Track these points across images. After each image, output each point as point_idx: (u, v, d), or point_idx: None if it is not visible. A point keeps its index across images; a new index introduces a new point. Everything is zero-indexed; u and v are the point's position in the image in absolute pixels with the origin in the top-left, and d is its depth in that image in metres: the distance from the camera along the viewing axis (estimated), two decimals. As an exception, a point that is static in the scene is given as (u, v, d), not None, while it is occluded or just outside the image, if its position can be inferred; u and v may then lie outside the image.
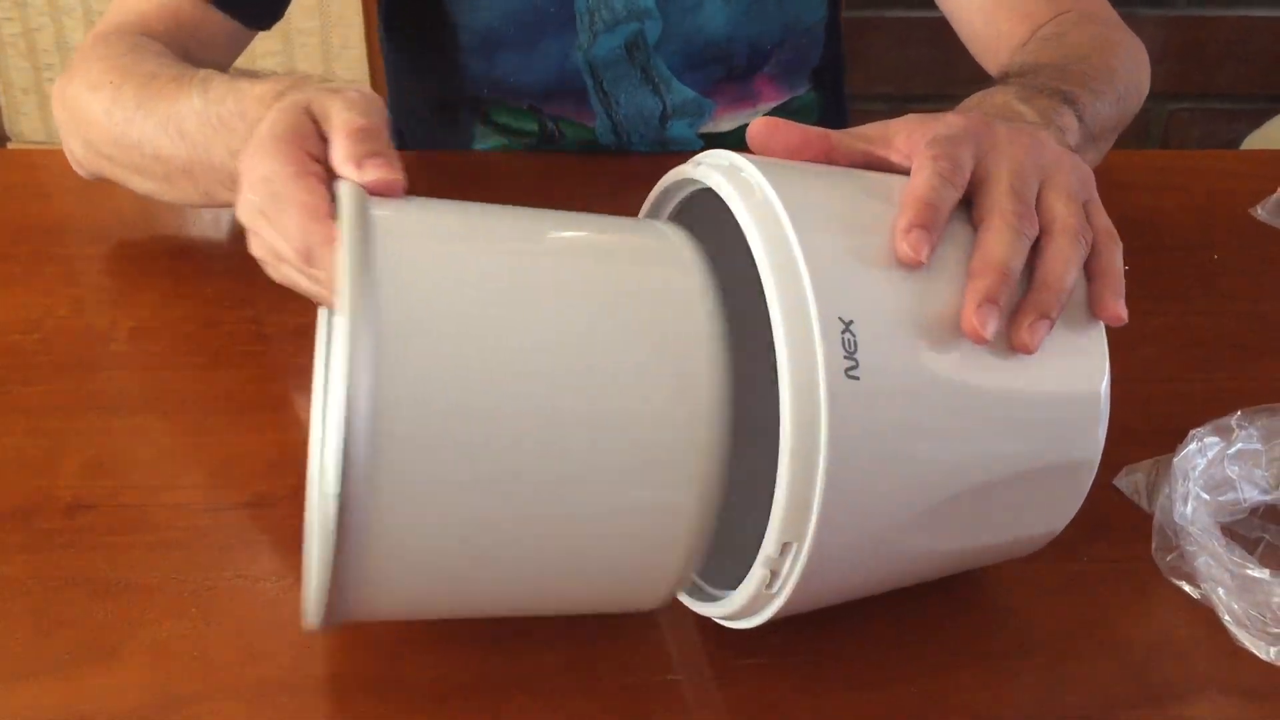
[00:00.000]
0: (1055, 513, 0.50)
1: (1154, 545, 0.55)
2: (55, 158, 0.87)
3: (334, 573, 0.41)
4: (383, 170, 0.48)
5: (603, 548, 0.45)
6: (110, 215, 0.79)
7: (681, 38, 0.88)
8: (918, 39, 1.67)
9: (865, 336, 0.42)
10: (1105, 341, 0.48)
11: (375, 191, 0.47)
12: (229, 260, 0.77)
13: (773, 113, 0.93)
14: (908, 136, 0.49)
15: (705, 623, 0.54)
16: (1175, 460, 0.57)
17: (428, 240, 0.45)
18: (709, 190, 0.48)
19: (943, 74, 1.72)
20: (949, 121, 0.49)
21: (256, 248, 0.53)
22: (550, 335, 0.43)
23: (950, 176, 0.46)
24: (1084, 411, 0.48)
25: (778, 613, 0.47)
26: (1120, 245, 0.49)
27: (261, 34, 0.83)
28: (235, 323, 0.70)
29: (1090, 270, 0.48)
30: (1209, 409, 0.60)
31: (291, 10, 0.85)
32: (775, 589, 0.46)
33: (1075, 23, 0.76)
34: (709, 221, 0.49)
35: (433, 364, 0.41)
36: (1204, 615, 0.54)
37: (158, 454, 0.62)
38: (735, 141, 0.93)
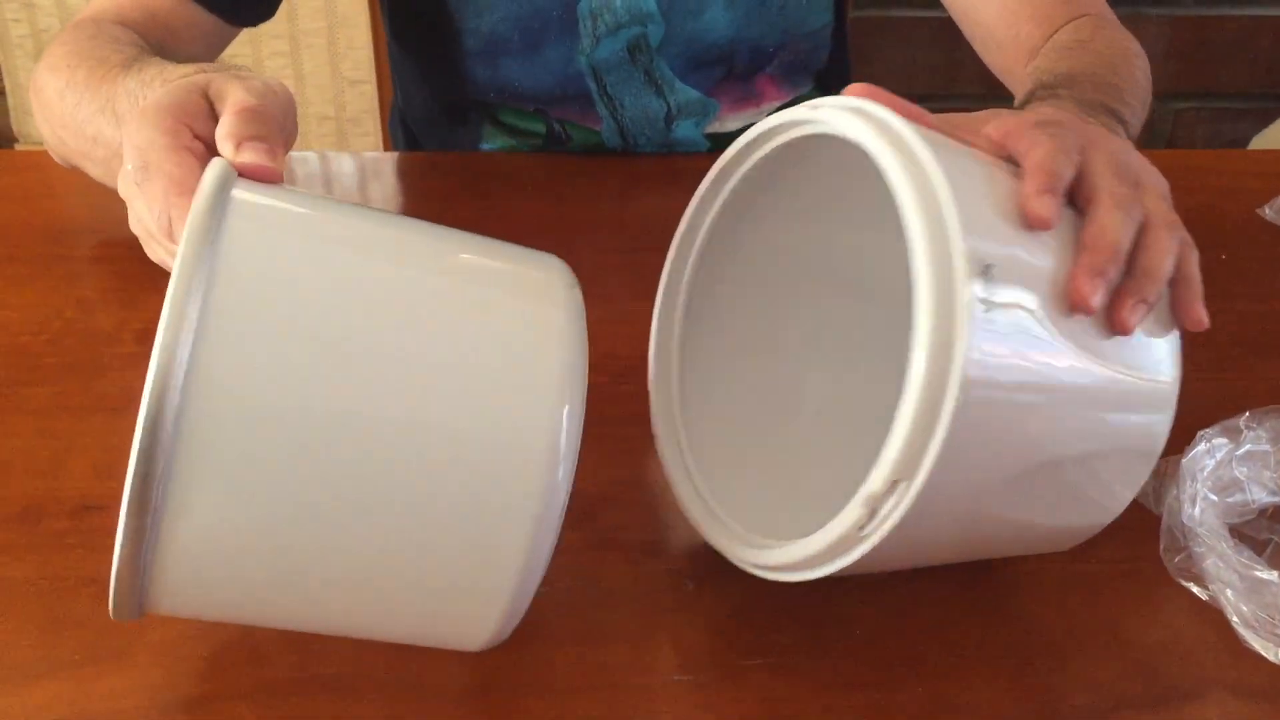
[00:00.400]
0: (1113, 500, 0.51)
1: (1162, 546, 0.55)
2: (63, 159, 0.88)
3: (131, 551, 0.40)
4: (260, 155, 0.47)
5: (416, 574, 0.43)
6: (118, 216, 0.79)
7: (683, 41, 0.88)
8: (923, 39, 1.66)
9: (1001, 281, 0.42)
10: (1180, 343, 0.49)
11: (248, 175, 0.45)
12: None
13: (776, 111, 0.94)
14: (999, 124, 0.50)
15: (713, 623, 0.54)
16: (1183, 461, 0.56)
17: (281, 230, 0.43)
18: (806, 140, 0.50)
19: (948, 74, 1.72)
20: (1044, 112, 0.50)
21: (132, 222, 0.53)
22: (385, 345, 0.42)
23: (1069, 153, 0.47)
24: (1158, 404, 0.49)
25: (852, 566, 0.46)
26: (1197, 253, 0.50)
27: (268, 35, 0.83)
28: (242, 324, 0.70)
29: (1173, 274, 0.49)
30: (1217, 410, 0.59)
31: (298, 11, 0.85)
32: (868, 530, 0.45)
33: (1093, 29, 0.77)
34: (803, 167, 0.51)
35: (254, 351, 0.40)
36: (1212, 616, 0.54)
37: (165, 455, 0.62)
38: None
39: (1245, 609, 0.52)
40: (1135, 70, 0.73)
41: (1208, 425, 0.58)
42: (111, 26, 0.75)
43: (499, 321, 0.44)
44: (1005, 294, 0.42)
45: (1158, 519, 0.57)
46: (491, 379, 0.42)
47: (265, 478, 0.41)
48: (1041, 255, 0.45)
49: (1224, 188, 0.87)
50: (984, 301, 0.41)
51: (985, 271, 0.42)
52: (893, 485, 0.43)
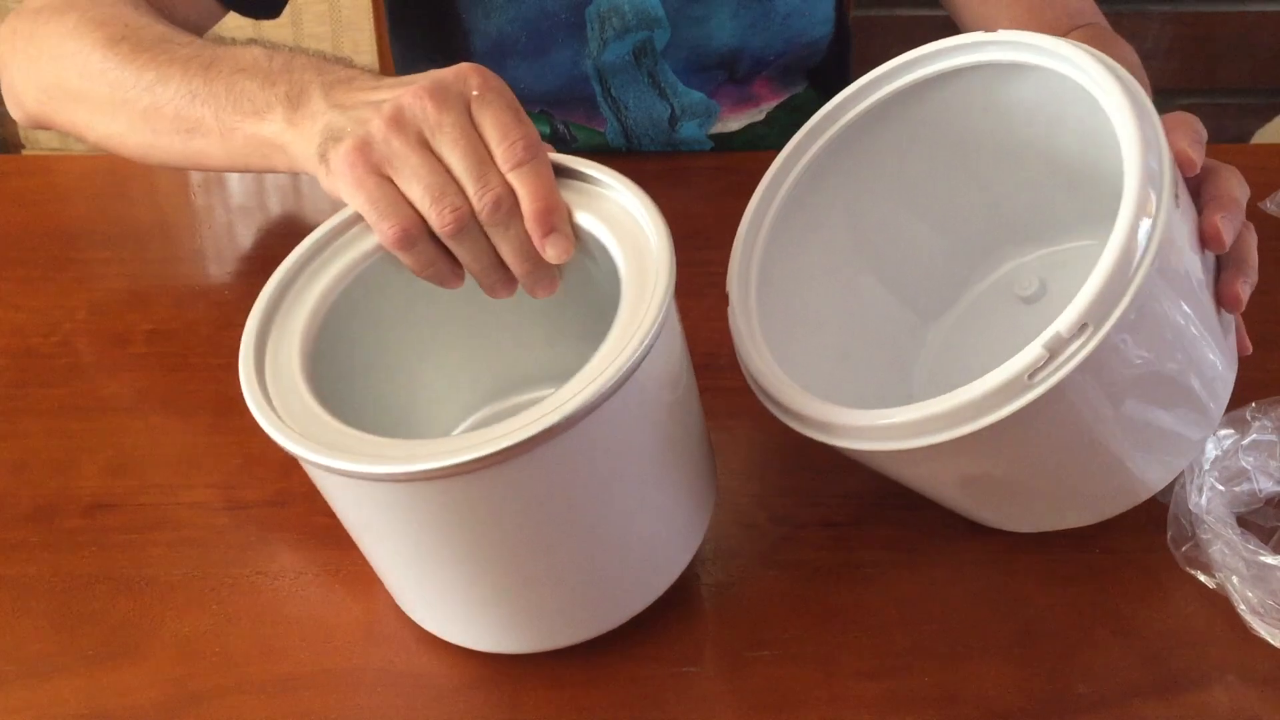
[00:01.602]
0: (1171, 462, 0.54)
1: (1170, 535, 0.56)
2: (71, 164, 0.88)
3: None
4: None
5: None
6: (126, 220, 0.80)
7: (688, 46, 0.89)
8: (924, 38, 1.67)
9: (1180, 191, 0.49)
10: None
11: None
12: (244, 263, 0.77)
13: (774, 110, 0.94)
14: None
15: (719, 614, 0.54)
16: None
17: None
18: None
19: (951, 72, 1.71)
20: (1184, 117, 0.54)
21: (365, 197, 0.51)
22: None
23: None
24: (1222, 389, 0.53)
25: (1006, 418, 0.46)
26: (1256, 238, 0.55)
27: (272, 39, 0.84)
28: (251, 324, 0.71)
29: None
30: (1221, 400, 0.60)
31: (302, 15, 0.86)
32: (1040, 378, 0.46)
33: (1107, 45, 0.79)
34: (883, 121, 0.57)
35: None
36: (1218, 604, 0.54)
37: (176, 454, 0.62)
38: (743, 142, 0.93)
39: (1251, 596, 0.52)
40: (1146, 84, 0.75)
41: (1212, 415, 0.58)
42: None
43: None
44: (1184, 203, 0.49)
45: (1163, 508, 0.57)
46: None
47: None
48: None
49: (1226, 182, 0.87)
50: (1175, 196, 0.48)
51: (1174, 182, 0.48)
52: (1080, 328, 0.45)
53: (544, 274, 0.51)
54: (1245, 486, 0.57)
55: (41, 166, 0.95)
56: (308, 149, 0.56)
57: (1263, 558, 0.52)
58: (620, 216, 0.51)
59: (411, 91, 0.51)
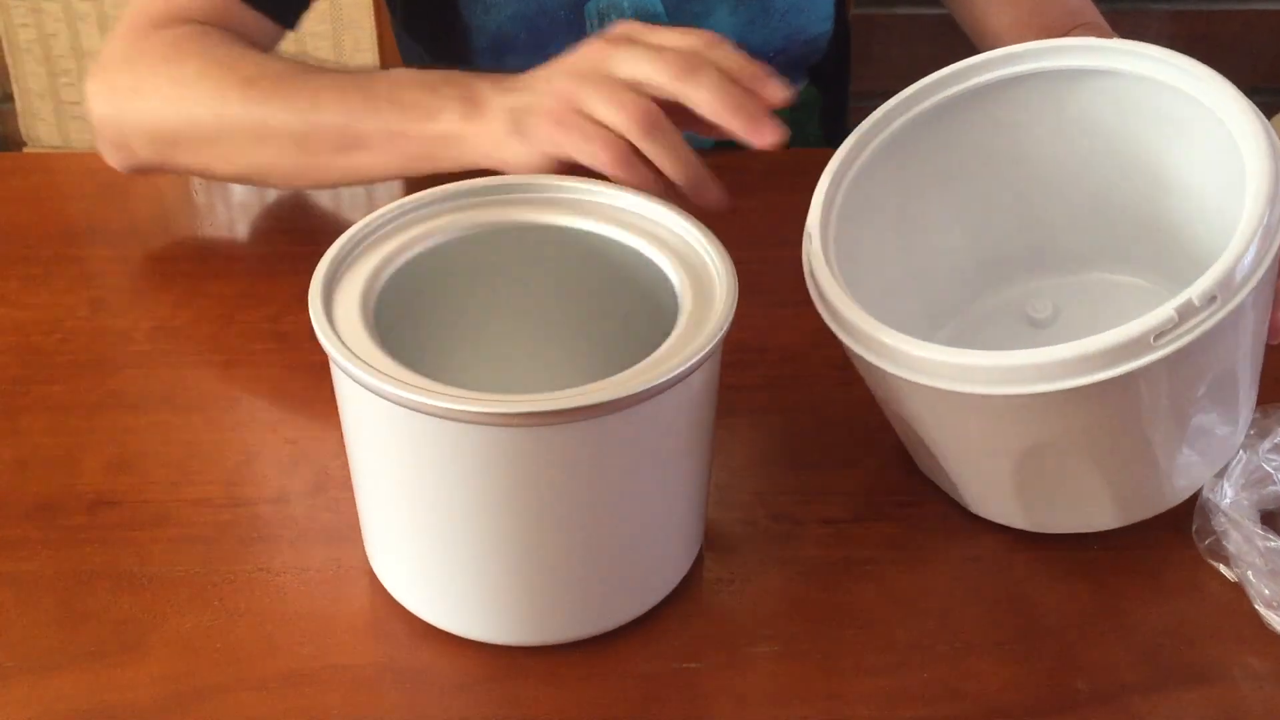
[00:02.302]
0: (1200, 469, 0.56)
1: (1195, 527, 0.56)
2: (72, 161, 0.88)
3: None
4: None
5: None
6: (127, 217, 0.80)
7: None
8: (924, 36, 1.67)
9: None
10: None
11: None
12: (247, 260, 0.77)
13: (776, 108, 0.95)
14: None
15: (720, 610, 0.54)
16: None
17: None
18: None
19: (951, 71, 1.72)
20: None
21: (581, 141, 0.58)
22: None
23: None
24: (1254, 394, 0.55)
25: (1115, 377, 0.47)
26: None
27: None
28: (254, 321, 0.71)
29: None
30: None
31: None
32: (1164, 341, 0.46)
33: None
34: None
35: None
36: (1220, 600, 0.54)
37: (179, 451, 0.62)
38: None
39: (1267, 590, 0.52)
40: None
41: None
42: (216, 34, 0.74)
43: None
44: None
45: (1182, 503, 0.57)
46: None
47: None
48: None
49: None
50: None
51: None
52: (1210, 299, 0.46)
53: (751, 106, 0.56)
54: (1270, 489, 0.57)
55: (43, 164, 0.96)
56: (491, 133, 0.62)
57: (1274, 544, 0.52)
58: (668, 238, 0.54)
59: (584, 49, 0.60)
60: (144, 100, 0.73)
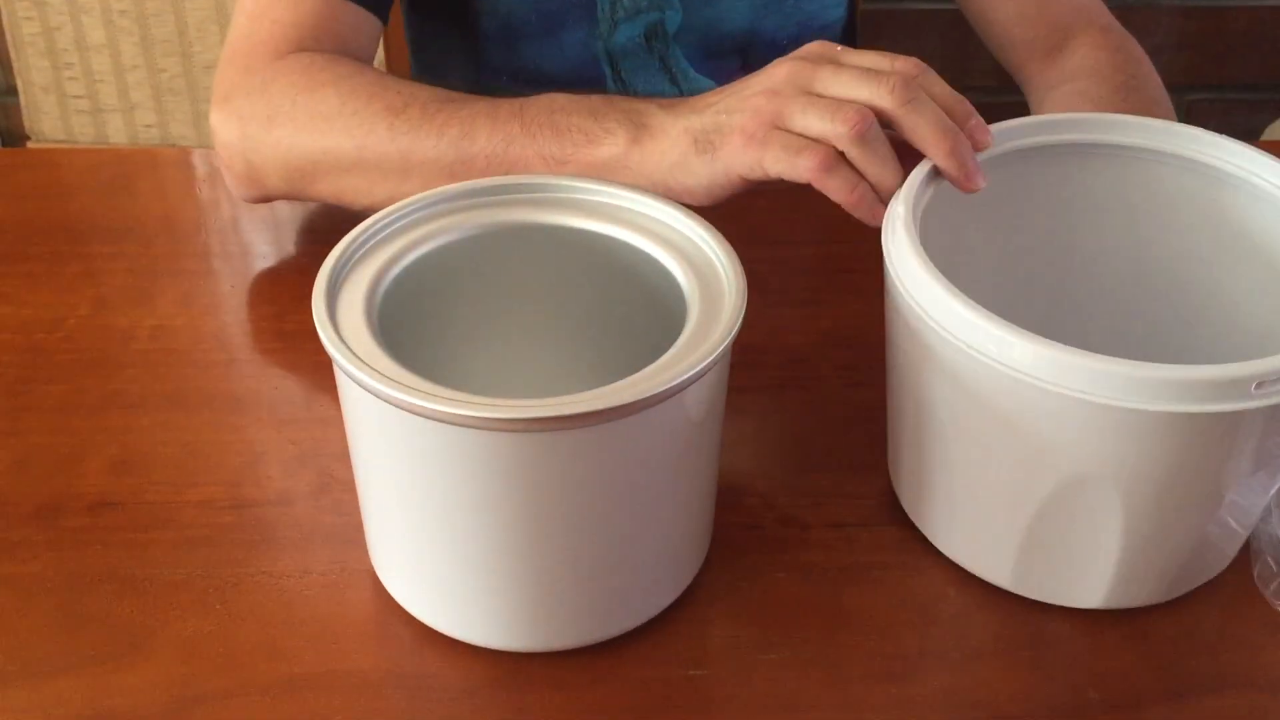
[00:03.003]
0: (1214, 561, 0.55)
1: (1255, 572, 0.55)
2: (76, 157, 0.88)
3: None
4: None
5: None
6: (131, 215, 0.80)
7: (700, 29, 0.88)
8: (933, 31, 1.66)
9: None
10: None
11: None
12: (250, 258, 0.77)
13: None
14: None
15: (727, 616, 0.54)
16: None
17: None
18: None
19: (958, 66, 1.71)
20: None
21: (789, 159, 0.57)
22: None
23: None
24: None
25: (1197, 413, 0.46)
26: None
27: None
28: (256, 320, 0.71)
29: None
30: None
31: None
32: (1265, 391, 0.46)
33: (1137, 66, 0.81)
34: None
35: None
36: (1231, 611, 0.54)
37: (181, 451, 0.62)
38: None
39: None
40: (1170, 105, 0.79)
41: None
42: (346, 62, 0.73)
43: None
44: None
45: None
46: None
47: None
48: None
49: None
50: None
51: None
52: None
53: (966, 150, 0.56)
54: None
55: (46, 160, 0.95)
56: (665, 155, 0.62)
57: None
58: (675, 238, 0.54)
59: (780, 68, 0.60)
60: (280, 130, 0.71)
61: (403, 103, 0.70)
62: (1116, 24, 0.85)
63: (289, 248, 0.77)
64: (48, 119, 1.55)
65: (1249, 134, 1.78)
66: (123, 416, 0.64)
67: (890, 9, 1.66)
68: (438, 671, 0.51)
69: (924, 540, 0.57)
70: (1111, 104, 0.76)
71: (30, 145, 1.55)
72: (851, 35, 0.98)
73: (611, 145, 0.63)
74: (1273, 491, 0.53)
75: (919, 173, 0.56)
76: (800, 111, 0.57)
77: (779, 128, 0.58)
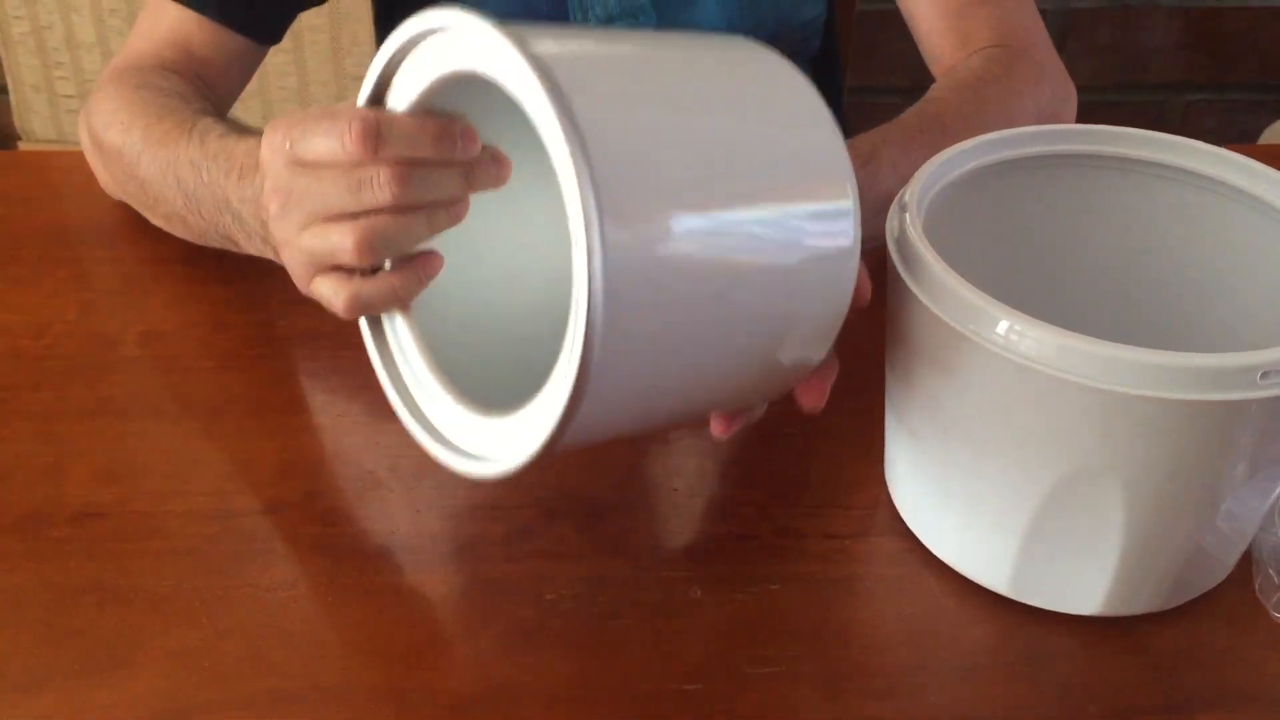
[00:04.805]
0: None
1: (1257, 585, 0.54)
2: (65, 159, 0.87)
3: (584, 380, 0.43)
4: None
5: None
6: (120, 218, 0.79)
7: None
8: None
9: None
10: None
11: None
12: (239, 263, 0.76)
13: None
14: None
15: (720, 630, 0.53)
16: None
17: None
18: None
19: (956, 66, 1.70)
20: None
21: (299, 258, 0.54)
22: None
23: None
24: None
25: (1199, 400, 0.46)
26: None
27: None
28: (246, 326, 0.70)
29: None
30: None
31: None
32: (1271, 381, 0.46)
33: (1004, 71, 0.76)
34: None
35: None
36: (1232, 624, 0.53)
37: (168, 460, 0.61)
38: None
39: None
40: (993, 115, 0.73)
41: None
42: (154, 74, 0.75)
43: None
44: None
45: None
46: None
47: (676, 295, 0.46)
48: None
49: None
50: None
51: None
52: None
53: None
54: None
55: (35, 163, 0.94)
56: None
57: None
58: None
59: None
60: (94, 140, 0.75)
61: (132, 120, 0.71)
62: (1043, 54, 0.80)
63: (279, 251, 0.76)
64: (38, 118, 1.54)
65: (1246, 134, 1.78)
66: (109, 423, 0.63)
67: (890, 9, 1.66)
68: (425, 687, 0.51)
69: (921, 552, 0.56)
70: (934, 100, 0.74)
71: (21, 144, 1.54)
72: (831, 33, 0.97)
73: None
74: (1273, 498, 0.52)
75: (923, 173, 0.55)
76: (308, 209, 0.53)
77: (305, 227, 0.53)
